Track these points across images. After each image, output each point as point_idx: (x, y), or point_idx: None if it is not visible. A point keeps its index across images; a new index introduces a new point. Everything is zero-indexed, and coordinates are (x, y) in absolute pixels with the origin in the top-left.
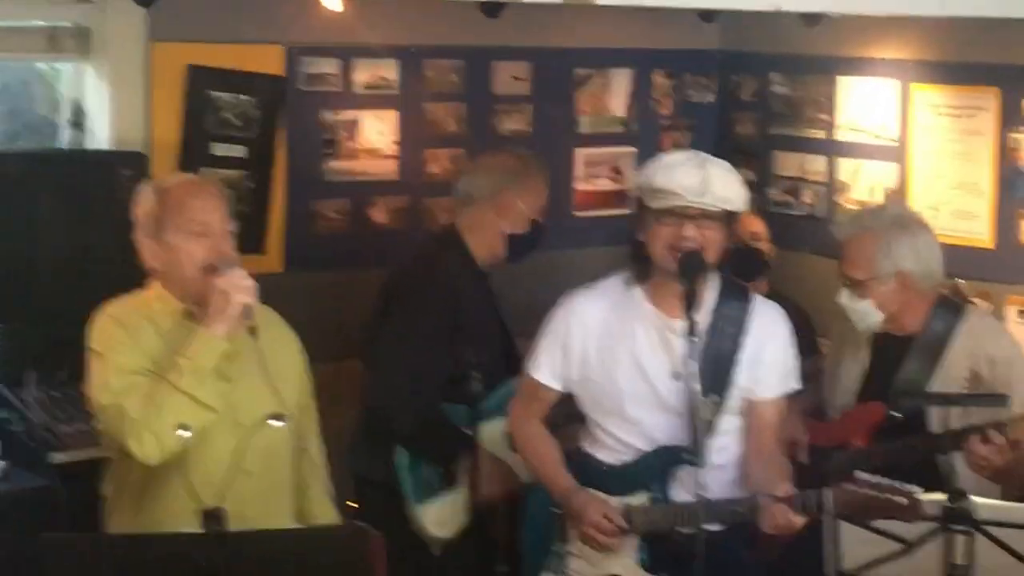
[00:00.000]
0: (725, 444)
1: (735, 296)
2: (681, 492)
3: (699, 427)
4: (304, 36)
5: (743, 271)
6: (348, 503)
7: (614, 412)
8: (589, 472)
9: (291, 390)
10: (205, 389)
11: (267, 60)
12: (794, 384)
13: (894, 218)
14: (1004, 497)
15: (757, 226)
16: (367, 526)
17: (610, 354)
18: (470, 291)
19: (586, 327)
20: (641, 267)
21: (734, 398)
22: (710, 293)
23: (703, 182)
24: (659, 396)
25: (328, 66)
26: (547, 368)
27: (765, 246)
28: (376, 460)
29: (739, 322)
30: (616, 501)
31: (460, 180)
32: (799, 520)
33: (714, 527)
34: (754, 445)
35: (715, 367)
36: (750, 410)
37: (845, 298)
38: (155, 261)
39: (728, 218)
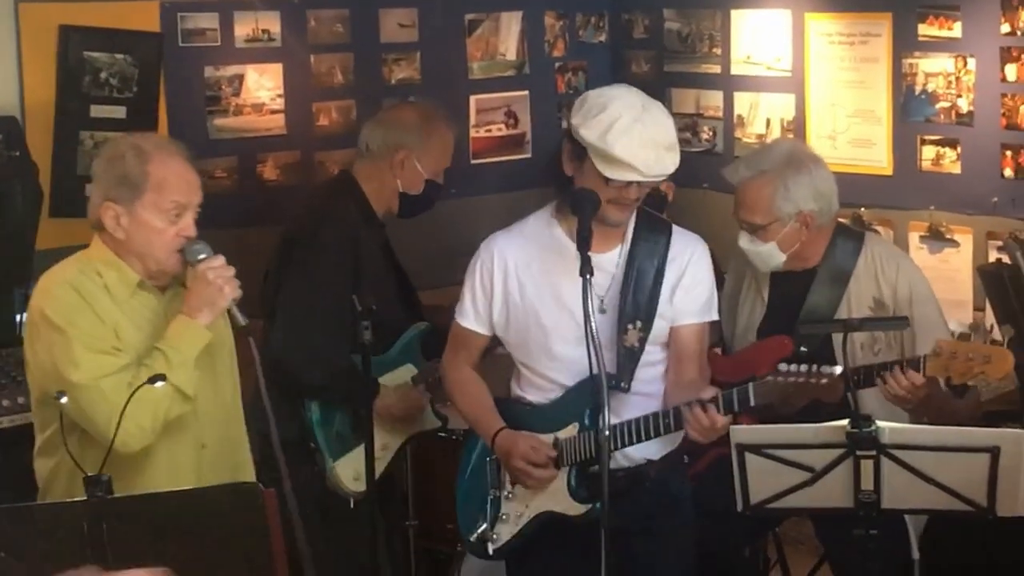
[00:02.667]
0: (655, 375)
1: (653, 227)
2: (612, 421)
3: (598, 352)
4: None
5: None
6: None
7: (541, 351)
8: (520, 414)
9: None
10: (191, 380)
11: (142, 17)
12: (714, 314)
13: (787, 157)
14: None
15: None
16: (256, 482)
17: (533, 292)
18: (367, 237)
19: (507, 268)
20: (568, 202)
21: (659, 326)
22: (629, 225)
23: (657, 155)
24: (583, 329)
25: (206, 20)
26: (471, 314)
27: (663, 184)
28: (284, 418)
29: (659, 252)
30: (546, 437)
31: (363, 128)
32: (723, 420)
33: (651, 456)
34: (674, 373)
35: (639, 296)
36: (672, 338)
37: (745, 242)
38: (118, 229)
39: None
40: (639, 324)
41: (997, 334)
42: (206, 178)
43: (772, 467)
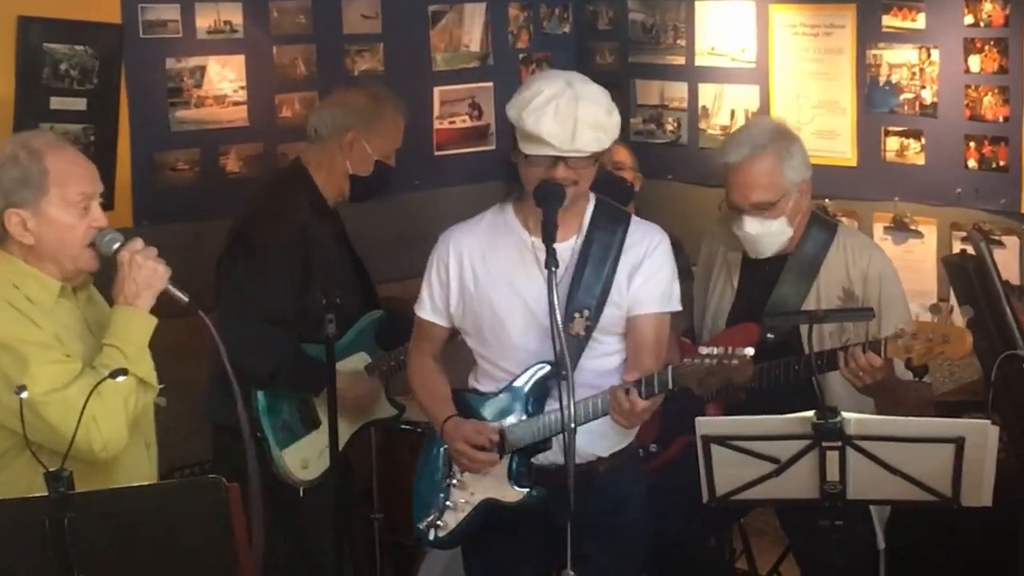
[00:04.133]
0: (610, 368)
1: (611, 217)
2: (551, 407)
3: (561, 339)
4: None
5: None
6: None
7: (495, 340)
8: (471, 403)
9: None
10: (151, 369)
11: (103, 8)
12: (674, 305)
13: (776, 131)
14: (878, 410)
15: (621, 155)
16: (220, 477)
17: (487, 282)
18: (318, 227)
19: (462, 260)
20: (516, 189)
21: (611, 316)
22: (585, 215)
23: (573, 129)
24: (538, 320)
25: (167, 12)
26: (429, 306)
27: (629, 174)
28: (234, 407)
29: (615, 242)
30: (494, 425)
31: (310, 115)
32: (641, 404)
33: (600, 452)
34: (632, 363)
35: (590, 285)
36: (629, 327)
37: (754, 226)
38: (26, 235)
39: (599, 152)
40: (586, 313)
41: (958, 318)
42: (168, 170)
43: (738, 458)
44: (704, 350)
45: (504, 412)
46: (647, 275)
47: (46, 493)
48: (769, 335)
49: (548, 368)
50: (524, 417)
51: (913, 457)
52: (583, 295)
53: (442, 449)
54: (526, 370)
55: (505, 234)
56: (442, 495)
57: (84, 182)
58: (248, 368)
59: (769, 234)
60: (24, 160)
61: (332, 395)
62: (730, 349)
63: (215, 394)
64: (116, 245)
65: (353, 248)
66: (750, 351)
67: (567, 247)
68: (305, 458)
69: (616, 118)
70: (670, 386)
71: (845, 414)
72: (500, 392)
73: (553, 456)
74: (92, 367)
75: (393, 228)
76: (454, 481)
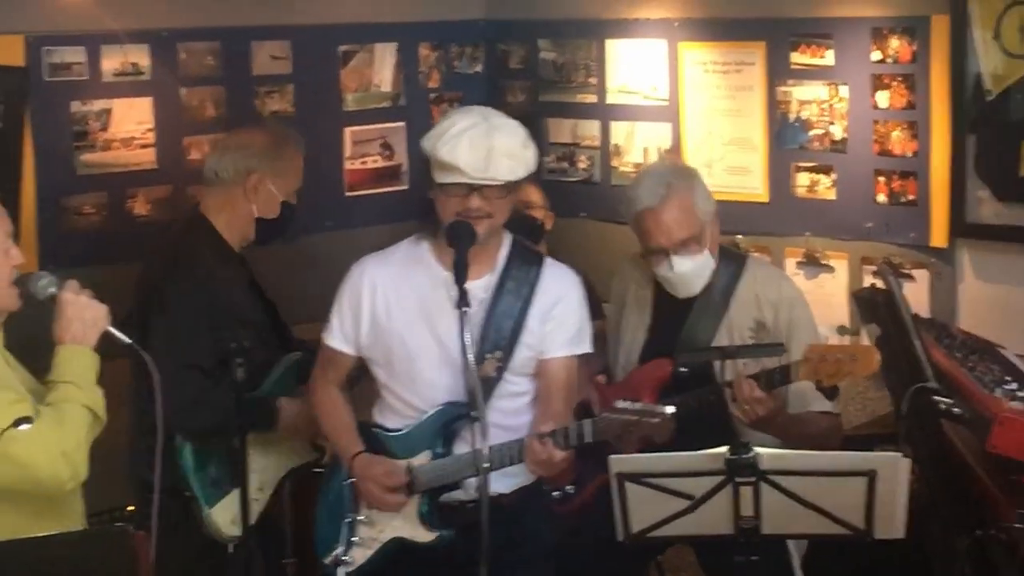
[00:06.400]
0: (519, 407)
1: (526, 258)
2: (466, 450)
3: (473, 381)
4: (46, 24)
5: None
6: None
7: (404, 374)
8: (378, 440)
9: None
10: (103, 404)
11: (6, 51)
12: (585, 347)
13: (676, 169)
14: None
15: (532, 194)
16: (127, 525)
17: (400, 315)
18: (225, 274)
19: (375, 290)
20: (434, 224)
21: (523, 357)
22: (500, 253)
23: (487, 157)
24: (449, 355)
25: (73, 54)
26: (338, 333)
27: (540, 212)
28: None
29: (528, 283)
30: (401, 464)
31: (208, 158)
32: (559, 455)
33: (501, 490)
34: (542, 406)
35: (502, 325)
36: (540, 370)
37: (683, 265)
38: None
39: (515, 183)
40: (498, 353)
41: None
42: (74, 214)
43: (652, 495)
44: (622, 404)
45: (413, 450)
46: (560, 318)
47: None
48: (682, 369)
49: (454, 407)
50: (433, 457)
51: (826, 491)
52: (495, 335)
53: (347, 482)
54: (436, 409)
55: (419, 268)
56: (348, 530)
57: (5, 222)
58: (188, 426)
59: (699, 268)
60: None
61: (243, 443)
62: (650, 406)
63: (140, 450)
64: (52, 289)
65: (265, 294)
66: (671, 409)
67: (481, 284)
68: (235, 513)
69: (532, 151)
70: (588, 439)
71: (758, 449)
72: (409, 430)
73: (458, 493)
74: (47, 404)
75: (305, 269)
76: (361, 516)
